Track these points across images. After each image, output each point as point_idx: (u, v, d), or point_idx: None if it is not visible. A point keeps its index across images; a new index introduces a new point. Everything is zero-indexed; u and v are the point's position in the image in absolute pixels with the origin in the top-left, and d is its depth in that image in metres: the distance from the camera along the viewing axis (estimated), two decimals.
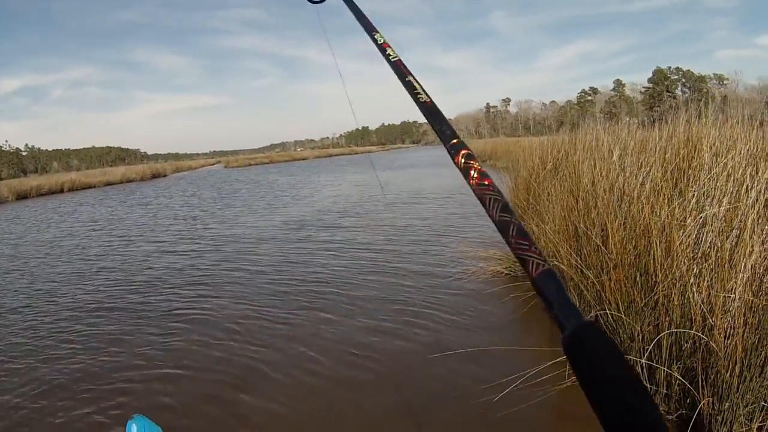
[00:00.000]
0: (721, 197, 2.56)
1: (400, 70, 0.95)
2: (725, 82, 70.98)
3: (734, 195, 2.55)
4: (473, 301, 4.78)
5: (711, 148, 2.92)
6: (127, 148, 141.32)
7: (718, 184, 2.66)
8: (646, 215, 2.95)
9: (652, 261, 2.80)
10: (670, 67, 76.63)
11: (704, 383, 2.32)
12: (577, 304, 3.69)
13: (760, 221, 2.33)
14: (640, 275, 2.94)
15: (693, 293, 2.45)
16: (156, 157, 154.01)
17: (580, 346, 0.47)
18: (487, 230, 7.14)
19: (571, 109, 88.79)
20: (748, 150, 2.68)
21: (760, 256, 2.22)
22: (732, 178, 2.60)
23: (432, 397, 3.23)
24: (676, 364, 2.58)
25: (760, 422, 2.11)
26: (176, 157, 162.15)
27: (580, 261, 3.60)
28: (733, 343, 2.17)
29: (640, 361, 2.76)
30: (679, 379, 2.52)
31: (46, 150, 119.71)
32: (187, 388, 3.59)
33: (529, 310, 4.26)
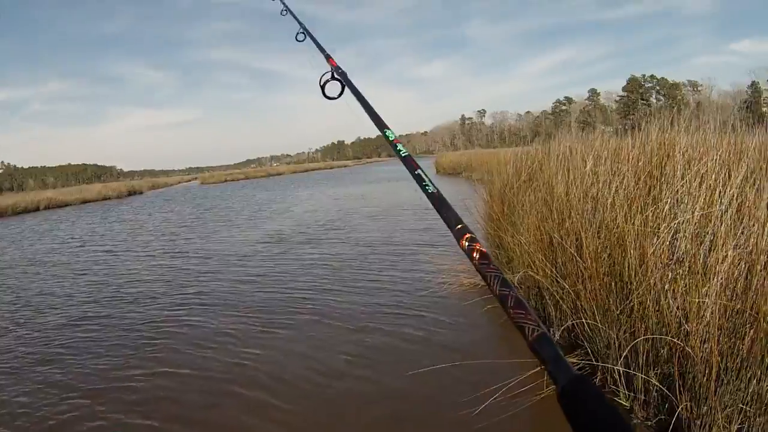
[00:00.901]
0: (694, 203, 2.60)
1: (410, 164, 1.04)
2: (699, 88, 72.30)
3: (707, 201, 2.58)
4: (451, 314, 4.75)
5: (683, 155, 2.96)
6: (103, 165, 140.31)
7: (690, 190, 2.69)
8: (620, 223, 2.97)
9: (626, 269, 2.82)
10: (644, 75, 77.71)
11: (682, 388, 2.33)
12: (553, 314, 3.72)
13: (733, 226, 2.36)
14: (615, 283, 2.95)
15: (668, 300, 2.47)
16: (132, 173, 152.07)
17: (572, 396, 0.53)
18: None
19: (546, 119, 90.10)
20: (720, 156, 2.73)
21: (733, 261, 2.24)
22: (704, 184, 2.64)
23: (412, 414, 3.18)
24: (653, 370, 2.59)
25: (739, 424, 2.12)
26: (152, 173, 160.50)
27: (555, 271, 3.61)
28: (709, 347, 2.19)
29: (617, 368, 2.77)
30: (657, 385, 2.53)
31: (22, 167, 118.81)
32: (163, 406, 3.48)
33: (507, 320, 4.24)
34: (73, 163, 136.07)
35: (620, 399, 2.78)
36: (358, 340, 4.37)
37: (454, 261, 5.82)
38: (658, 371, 2.57)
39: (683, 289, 2.41)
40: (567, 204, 3.74)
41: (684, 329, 2.33)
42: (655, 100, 74.13)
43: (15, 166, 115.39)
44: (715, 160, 2.68)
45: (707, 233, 2.45)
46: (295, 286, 6.32)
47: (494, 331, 4.31)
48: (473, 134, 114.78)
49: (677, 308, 2.42)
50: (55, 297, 6.86)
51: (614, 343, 2.84)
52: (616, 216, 3.04)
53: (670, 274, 2.54)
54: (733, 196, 2.47)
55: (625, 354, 2.70)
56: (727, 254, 2.24)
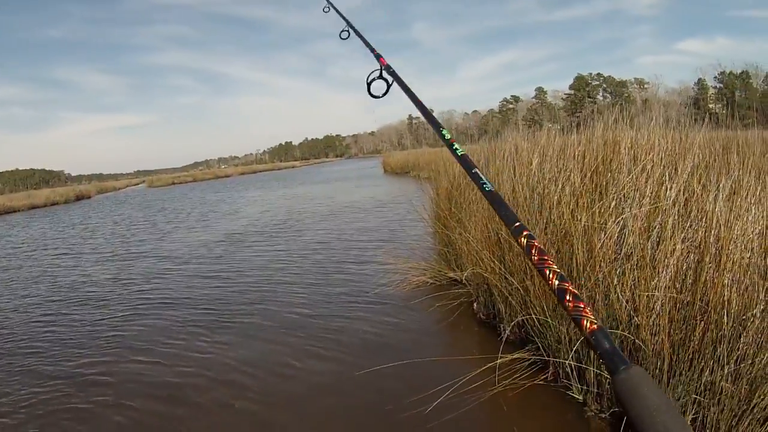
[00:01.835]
0: (641, 199, 2.64)
1: (468, 162, 1.03)
2: (646, 86, 74.59)
3: (654, 196, 2.63)
4: (401, 312, 4.68)
5: (629, 150, 3.01)
6: (51, 170, 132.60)
7: (637, 185, 2.74)
8: (567, 219, 2.99)
9: (574, 264, 2.83)
10: (591, 74, 79.18)
11: None
12: (503, 310, 3.72)
13: (680, 220, 2.40)
14: None
15: (617, 294, 2.49)
16: (80, 178, 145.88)
17: (628, 387, 0.57)
18: (411, 240, 7.13)
19: (493, 118, 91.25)
20: (665, 150, 2.79)
21: (681, 254, 2.28)
22: (651, 179, 2.68)
23: (361, 414, 3.09)
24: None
25: (694, 414, 2.15)
26: (100, 177, 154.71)
27: (503, 268, 3.60)
28: (661, 339, 2.21)
29: (568, 363, 2.78)
30: (609, 378, 2.54)
31: None
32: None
33: (456, 318, 4.23)
34: (20, 168, 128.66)
35: (573, 393, 2.79)
36: (305, 340, 4.25)
37: (401, 259, 5.78)
38: None
39: (632, 282, 2.43)
40: (514, 201, 3.75)
41: (635, 322, 2.35)
42: (602, 98, 76.05)
43: None
44: (661, 155, 2.74)
45: (655, 227, 2.50)
46: (244, 288, 6.13)
47: (441, 329, 4.28)
48: (421, 134, 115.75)
49: (626, 302, 2.44)
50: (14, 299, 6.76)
51: (565, 337, 2.86)
52: (563, 212, 3.06)
53: (618, 269, 2.56)
54: (680, 190, 2.52)
55: (575, 348, 2.71)
56: (675, 247, 2.28)
